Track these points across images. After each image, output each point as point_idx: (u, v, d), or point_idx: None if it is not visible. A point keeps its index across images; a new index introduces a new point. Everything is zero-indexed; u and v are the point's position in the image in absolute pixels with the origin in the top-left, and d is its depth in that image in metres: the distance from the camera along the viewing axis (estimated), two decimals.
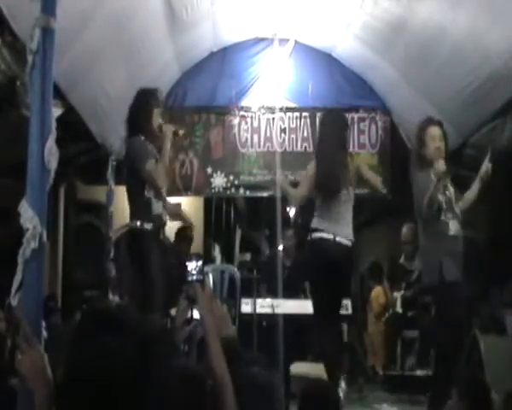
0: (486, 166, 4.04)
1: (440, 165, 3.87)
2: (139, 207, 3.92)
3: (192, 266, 1.89)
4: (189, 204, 7.99)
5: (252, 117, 6.32)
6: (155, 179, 3.86)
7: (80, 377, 1.25)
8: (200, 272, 1.87)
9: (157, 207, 3.94)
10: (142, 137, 3.97)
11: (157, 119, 4.04)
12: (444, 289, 3.92)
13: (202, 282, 1.88)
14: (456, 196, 4.08)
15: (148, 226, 3.87)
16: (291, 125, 6.29)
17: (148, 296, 3.79)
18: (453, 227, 3.96)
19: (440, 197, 3.97)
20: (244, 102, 6.32)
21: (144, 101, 4.04)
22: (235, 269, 6.03)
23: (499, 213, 5.44)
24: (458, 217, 4.01)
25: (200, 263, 1.90)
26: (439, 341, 3.99)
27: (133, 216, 3.94)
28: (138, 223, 3.88)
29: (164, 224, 4.04)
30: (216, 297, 2.06)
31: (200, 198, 7.75)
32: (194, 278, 1.90)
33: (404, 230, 5.89)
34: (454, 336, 3.81)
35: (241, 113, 6.31)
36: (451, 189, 4.08)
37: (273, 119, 6.26)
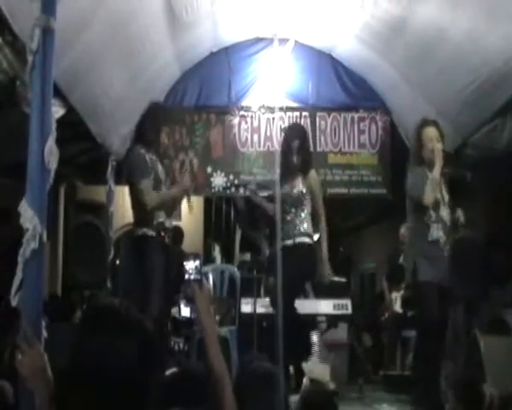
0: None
1: (435, 172, 3.96)
2: (142, 215, 3.98)
3: (190, 265, 1.89)
4: None
5: (252, 117, 6.32)
6: (144, 199, 3.95)
7: (83, 375, 1.25)
8: (199, 271, 1.88)
9: (159, 215, 4.00)
10: (143, 150, 4.05)
11: (164, 136, 4.18)
12: (416, 289, 4.08)
13: (200, 281, 1.88)
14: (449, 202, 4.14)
15: (151, 233, 3.93)
16: None
17: (148, 300, 3.83)
18: (434, 231, 4.00)
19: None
20: (244, 102, 6.32)
21: (155, 116, 4.14)
22: (235, 269, 6.02)
23: (499, 213, 5.44)
24: (443, 221, 4.04)
25: (197, 263, 1.90)
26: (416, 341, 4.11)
27: (136, 223, 4.03)
28: (141, 231, 3.95)
29: (166, 229, 4.08)
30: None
31: (200, 198, 7.76)
32: (192, 277, 1.90)
33: (402, 230, 5.89)
34: (427, 337, 3.88)
35: (241, 112, 6.31)
36: (445, 193, 4.12)
37: (273, 118, 6.26)
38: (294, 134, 4.73)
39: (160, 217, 4.02)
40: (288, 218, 4.49)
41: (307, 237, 4.51)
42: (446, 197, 4.11)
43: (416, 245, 4.07)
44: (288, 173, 4.54)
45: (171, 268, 4.16)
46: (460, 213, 4.17)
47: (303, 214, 4.51)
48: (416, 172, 4.13)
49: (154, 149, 4.12)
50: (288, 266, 4.09)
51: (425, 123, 4.18)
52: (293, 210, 4.51)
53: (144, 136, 4.12)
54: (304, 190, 4.53)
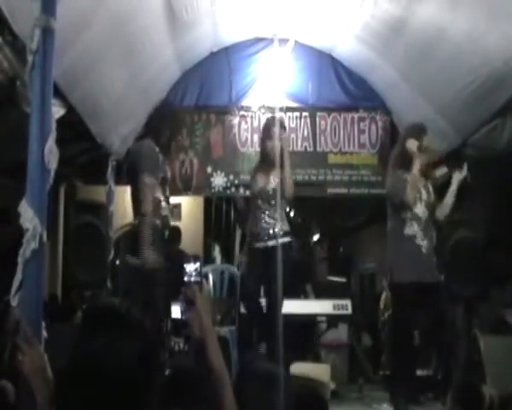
0: (461, 174, 4.26)
1: (414, 169, 4.02)
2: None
3: (190, 267, 1.88)
4: (189, 204, 8.01)
5: (252, 117, 6.32)
6: (145, 197, 3.89)
7: (83, 375, 1.25)
8: (199, 273, 1.87)
9: (165, 207, 3.99)
10: (153, 144, 4.03)
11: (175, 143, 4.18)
12: (393, 291, 4.16)
13: (200, 283, 1.88)
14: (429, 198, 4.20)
15: (158, 221, 3.92)
16: (291, 125, 6.29)
17: (150, 292, 3.82)
18: (410, 228, 4.03)
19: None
20: (244, 102, 6.32)
21: (170, 120, 4.14)
22: (235, 269, 6.02)
23: (499, 213, 5.44)
24: (418, 218, 4.09)
25: (198, 265, 1.90)
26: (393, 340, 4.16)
27: (141, 212, 3.96)
28: (143, 219, 3.91)
29: (169, 226, 4.09)
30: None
31: (200, 198, 7.76)
32: (192, 279, 1.90)
33: None
34: (404, 336, 3.95)
35: (241, 112, 6.31)
36: (424, 193, 4.18)
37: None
38: (274, 121, 4.72)
39: (165, 211, 4.01)
40: (266, 217, 4.45)
41: (289, 236, 4.50)
42: (425, 196, 4.16)
43: (393, 243, 4.11)
44: (264, 165, 4.52)
45: (171, 267, 4.15)
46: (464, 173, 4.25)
47: (278, 212, 4.46)
48: (396, 174, 4.21)
49: (164, 151, 4.11)
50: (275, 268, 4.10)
51: (423, 131, 4.22)
52: (268, 207, 4.46)
53: (156, 137, 4.08)
54: (277, 186, 4.45)
